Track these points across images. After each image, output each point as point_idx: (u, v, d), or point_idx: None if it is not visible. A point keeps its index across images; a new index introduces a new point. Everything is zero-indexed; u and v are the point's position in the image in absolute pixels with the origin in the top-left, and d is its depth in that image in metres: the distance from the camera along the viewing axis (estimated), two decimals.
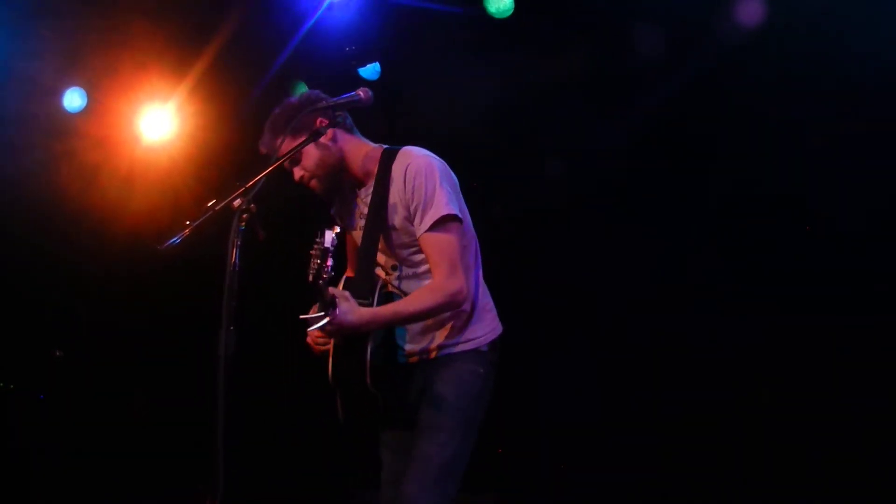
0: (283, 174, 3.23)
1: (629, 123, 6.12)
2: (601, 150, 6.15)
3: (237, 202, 3.06)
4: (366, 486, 3.75)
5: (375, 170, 3.56)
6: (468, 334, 3.56)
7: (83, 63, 6.36)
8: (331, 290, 3.20)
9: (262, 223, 3.05)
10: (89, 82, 6.52)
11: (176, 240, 3.02)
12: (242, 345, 2.87)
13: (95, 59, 6.32)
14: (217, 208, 3.06)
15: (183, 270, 6.12)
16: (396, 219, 3.49)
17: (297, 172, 3.58)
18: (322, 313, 3.20)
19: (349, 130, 3.64)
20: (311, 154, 3.53)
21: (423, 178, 3.43)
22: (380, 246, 3.55)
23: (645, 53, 5.78)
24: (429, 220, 3.42)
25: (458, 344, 3.54)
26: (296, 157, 3.52)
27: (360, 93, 3.49)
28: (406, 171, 3.45)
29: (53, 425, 6.94)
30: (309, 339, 3.54)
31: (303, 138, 3.44)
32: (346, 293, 3.28)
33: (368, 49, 6.21)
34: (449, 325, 3.54)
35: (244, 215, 3.03)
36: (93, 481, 6.75)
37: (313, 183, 3.58)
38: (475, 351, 3.56)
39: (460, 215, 3.47)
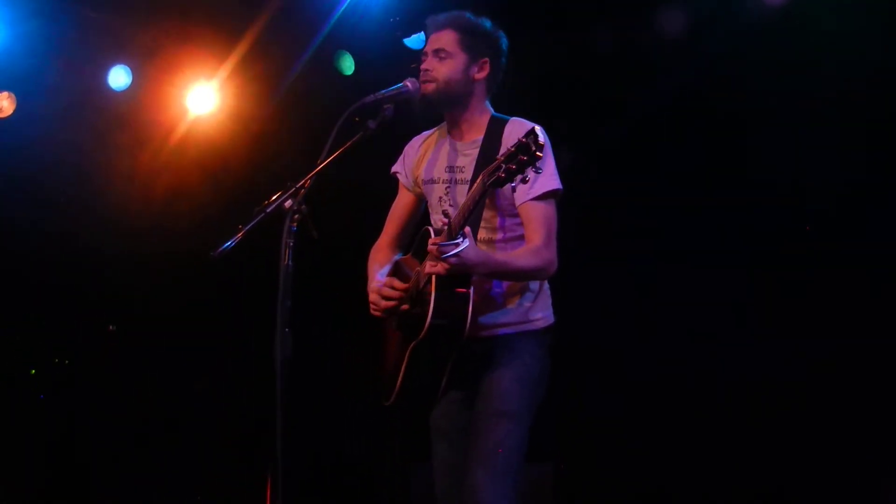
0: (334, 172, 3.21)
1: (643, 109, 6.09)
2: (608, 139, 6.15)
3: (288, 203, 3.06)
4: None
5: (484, 129, 3.60)
6: (531, 315, 3.58)
7: (129, 41, 6.36)
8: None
9: (315, 223, 3.05)
10: (135, 60, 6.50)
11: (229, 245, 3.03)
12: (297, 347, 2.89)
13: (142, 37, 6.32)
14: (269, 211, 3.06)
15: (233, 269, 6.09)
16: None
17: (431, 64, 3.59)
18: (456, 241, 3.17)
19: (489, 91, 3.69)
20: (456, 66, 3.59)
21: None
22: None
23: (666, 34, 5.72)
24: (538, 188, 3.45)
25: (521, 324, 3.55)
26: (448, 52, 3.57)
27: (409, 84, 3.52)
28: None
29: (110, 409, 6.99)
30: (374, 297, 3.57)
31: (464, 55, 3.57)
32: (469, 230, 3.25)
33: (413, 18, 6.11)
34: (516, 302, 3.55)
35: (296, 216, 3.04)
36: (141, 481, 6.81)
37: (431, 86, 3.58)
38: (534, 333, 3.58)
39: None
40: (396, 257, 3.82)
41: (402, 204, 3.88)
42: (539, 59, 5.85)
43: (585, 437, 6.25)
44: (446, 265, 3.19)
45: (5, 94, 6.22)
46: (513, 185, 3.13)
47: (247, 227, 3.05)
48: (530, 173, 3.05)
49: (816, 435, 5.74)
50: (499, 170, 3.08)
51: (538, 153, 3.00)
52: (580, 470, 6.24)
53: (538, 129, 3.03)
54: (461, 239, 3.16)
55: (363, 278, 3.73)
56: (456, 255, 3.15)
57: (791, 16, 5.57)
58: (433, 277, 3.28)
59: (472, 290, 3.32)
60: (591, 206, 6.12)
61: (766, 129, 5.87)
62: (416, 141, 3.86)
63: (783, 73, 5.74)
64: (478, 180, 3.21)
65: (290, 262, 2.97)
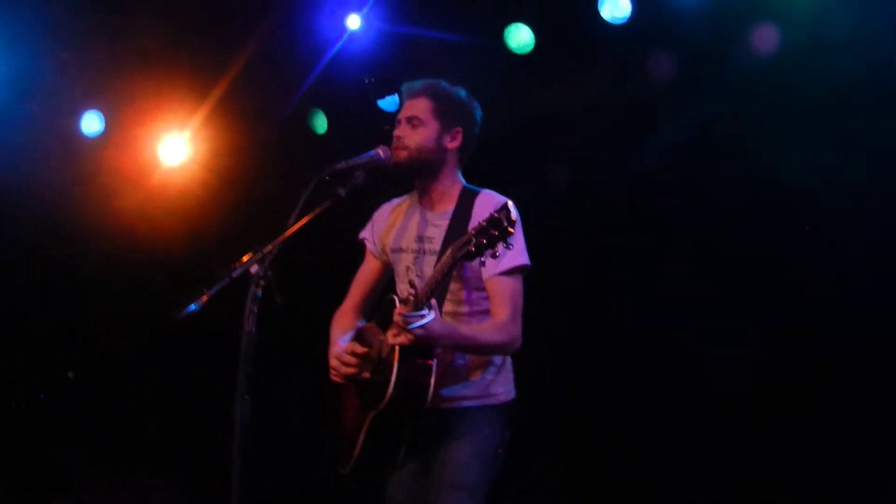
0: (301, 237, 3.24)
1: (648, 157, 6.04)
2: (618, 183, 6.09)
3: (254, 268, 3.09)
4: None
5: (455, 200, 3.63)
6: (493, 389, 3.62)
7: (102, 87, 6.37)
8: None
9: (280, 289, 3.08)
10: (108, 107, 6.51)
11: (193, 307, 3.07)
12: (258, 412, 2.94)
13: (115, 84, 6.32)
14: (234, 276, 3.09)
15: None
16: None
17: (404, 131, 3.62)
18: (422, 312, 3.21)
19: (461, 161, 3.72)
20: (428, 134, 3.61)
21: None
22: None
23: (662, 86, 5.65)
24: (507, 263, 3.47)
25: (482, 397, 3.59)
26: (421, 120, 3.59)
27: (380, 152, 3.53)
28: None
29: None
30: (335, 362, 3.60)
31: (437, 124, 3.59)
32: (435, 302, 3.29)
33: (388, 81, 6.15)
34: (479, 376, 3.59)
35: (261, 282, 3.07)
36: None
37: (403, 154, 3.60)
38: (495, 407, 3.61)
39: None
40: (359, 324, 3.83)
41: (367, 270, 3.90)
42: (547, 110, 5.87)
43: (585, 437, 6.27)
44: (411, 336, 3.22)
45: None
46: (482, 259, 3.12)
47: (211, 292, 3.09)
48: (500, 248, 3.04)
49: (816, 435, 5.74)
50: (469, 243, 3.08)
51: (510, 229, 2.99)
52: (580, 470, 6.27)
53: (510, 204, 3.03)
54: (427, 310, 3.20)
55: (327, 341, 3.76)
56: (421, 326, 3.18)
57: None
58: (397, 347, 3.30)
59: (434, 362, 3.34)
60: (592, 206, 6.12)
61: (767, 129, 5.81)
62: (386, 208, 3.88)
63: (783, 73, 5.68)
64: (447, 253, 3.22)
65: (252, 329, 3.01)
